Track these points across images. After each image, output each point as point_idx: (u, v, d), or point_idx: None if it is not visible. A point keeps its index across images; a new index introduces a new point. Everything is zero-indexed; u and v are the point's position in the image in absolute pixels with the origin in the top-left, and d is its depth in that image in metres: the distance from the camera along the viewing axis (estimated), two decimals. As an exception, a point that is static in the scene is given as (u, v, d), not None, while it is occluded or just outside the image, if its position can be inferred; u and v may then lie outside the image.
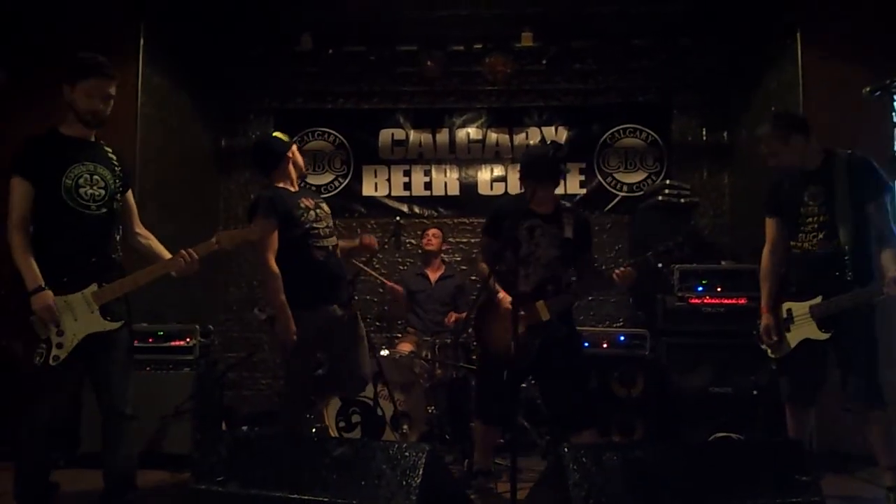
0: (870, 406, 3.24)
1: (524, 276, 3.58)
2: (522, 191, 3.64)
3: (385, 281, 5.56)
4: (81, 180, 2.97)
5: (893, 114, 4.37)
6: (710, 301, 4.75)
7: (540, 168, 3.52)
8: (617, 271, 3.42)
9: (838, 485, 3.80)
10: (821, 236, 3.34)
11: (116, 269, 3.05)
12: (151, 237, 3.27)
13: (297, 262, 3.53)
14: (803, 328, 3.38)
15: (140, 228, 3.26)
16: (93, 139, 3.09)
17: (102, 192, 3.02)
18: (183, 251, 3.03)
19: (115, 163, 3.11)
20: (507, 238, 3.46)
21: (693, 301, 4.77)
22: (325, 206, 3.79)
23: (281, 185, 3.69)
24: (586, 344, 4.78)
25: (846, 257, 3.24)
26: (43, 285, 2.84)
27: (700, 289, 4.79)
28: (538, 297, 3.49)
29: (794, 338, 3.43)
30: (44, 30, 4.86)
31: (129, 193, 3.21)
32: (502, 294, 3.53)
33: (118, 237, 3.11)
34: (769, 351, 3.55)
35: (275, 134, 3.84)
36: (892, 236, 3.23)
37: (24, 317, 2.86)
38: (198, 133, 6.03)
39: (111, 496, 3.04)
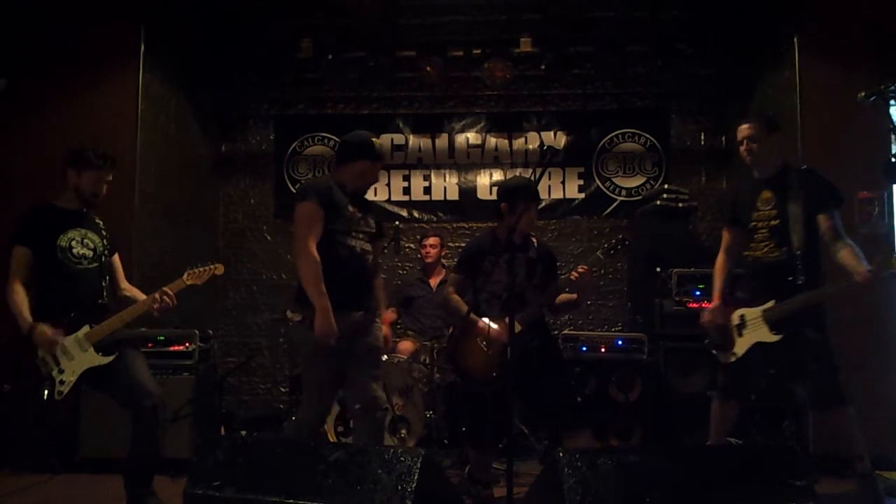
0: (829, 409, 3.33)
1: (498, 301, 3.69)
2: (506, 221, 3.61)
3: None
4: (74, 242, 3.39)
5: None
6: (707, 305, 4.73)
7: (530, 189, 3.67)
8: (574, 272, 3.56)
9: (834, 488, 3.80)
10: (772, 244, 3.41)
11: (104, 312, 3.39)
12: (135, 290, 3.61)
13: (330, 259, 3.28)
14: (755, 332, 3.43)
15: (125, 284, 3.64)
16: (84, 210, 3.48)
17: (91, 252, 3.44)
18: (156, 293, 3.35)
19: (104, 230, 3.53)
20: (489, 273, 3.61)
21: (691, 305, 4.78)
22: (371, 222, 3.54)
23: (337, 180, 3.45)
24: (584, 348, 4.81)
25: (798, 263, 3.29)
26: (31, 322, 3.20)
27: (698, 293, 4.80)
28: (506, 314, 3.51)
29: (745, 342, 3.47)
30: (44, 35, 4.88)
31: (116, 256, 3.62)
32: (482, 322, 3.62)
33: (105, 286, 3.47)
34: (718, 355, 3.60)
35: (374, 139, 3.51)
36: (845, 237, 3.29)
37: (21, 362, 3.26)
38: (197, 139, 6.05)
39: (127, 487, 3.34)
